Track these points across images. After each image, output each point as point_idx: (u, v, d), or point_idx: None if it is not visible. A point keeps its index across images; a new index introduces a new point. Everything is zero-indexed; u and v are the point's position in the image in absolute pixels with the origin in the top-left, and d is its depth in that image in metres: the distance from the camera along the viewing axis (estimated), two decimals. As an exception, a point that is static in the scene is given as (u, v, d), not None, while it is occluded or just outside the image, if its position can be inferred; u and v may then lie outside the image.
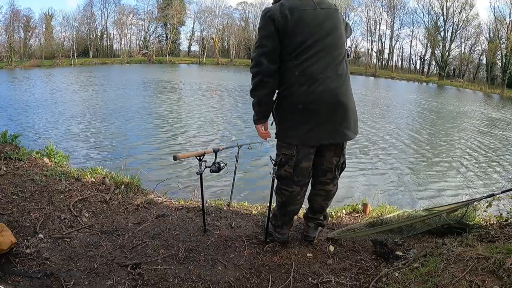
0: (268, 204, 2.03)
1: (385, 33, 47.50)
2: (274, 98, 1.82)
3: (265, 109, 1.82)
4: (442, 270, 1.52)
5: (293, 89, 1.72)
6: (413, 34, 47.33)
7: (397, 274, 1.63)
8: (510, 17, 36.30)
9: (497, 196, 2.03)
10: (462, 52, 42.82)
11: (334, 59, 1.71)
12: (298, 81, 1.70)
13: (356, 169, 6.62)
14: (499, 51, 37.66)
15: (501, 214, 2.21)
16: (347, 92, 1.75)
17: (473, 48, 42.28)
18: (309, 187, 1.97)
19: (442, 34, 42.97)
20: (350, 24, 1.93)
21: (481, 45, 41.35)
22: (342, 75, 1.73)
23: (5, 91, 16.02)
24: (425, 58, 46.24)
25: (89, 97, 14.93)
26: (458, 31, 41.91)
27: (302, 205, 2.03)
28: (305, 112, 1.71)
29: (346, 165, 1.95)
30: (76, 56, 41.21)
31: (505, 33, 36.84)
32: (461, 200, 2.27)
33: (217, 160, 2.03)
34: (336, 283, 1.69)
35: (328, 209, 2.54)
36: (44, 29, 43.06)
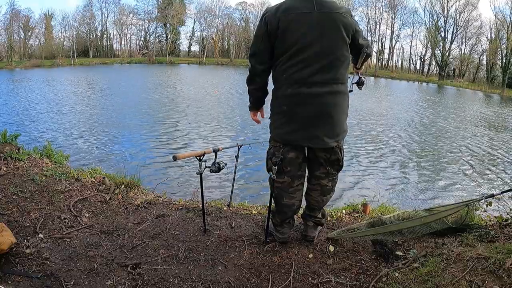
0: (268, 204, 2.02)
1: (385, 33, 47.60)
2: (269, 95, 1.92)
3: (254, 100, 1.96)
4: (442, 270, 1.52)
5: (280, 91, 1.79)
6: (414, 34, 47.46)
7: (397, 274, 1.63)
8: (510, 18, 36.33)
9: (497, 196, 2.03)
10: (463, 52, 42.85)
11: (324, 65, 1.68)
12: (285, 83, 1.76)
13: (357, 169, 6.61)
14: (499, 51, 37.65)
15: (501, 214, 2.21)
16: (335, 100, 1.74)
17: (473, 48, 42.32)
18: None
19: (442, 34, 42.99)
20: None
21: (481, 45, 41.41)
22: (331, 84, 1.71)
23: (5, 91, 16.02)
24: (425, 58, 46.27)
25: (89, 97, 14.94)
26: (459, 31, 41.94)
27: (301, 206, 2.03)
28: (288, 114, 1.77)
29: (343, 164, 1.93)
30: (76, 56, 41.21)
31: (506, 33, 36.82)
32: (461, 201, 2.27)
33: (217, 160, 2.02)
34: (336, 283, 1.69)
35: (328, 209, 2.55)
36: (44, 29, 43.08)
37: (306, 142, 1.79)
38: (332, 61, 1.69)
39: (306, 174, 1.98)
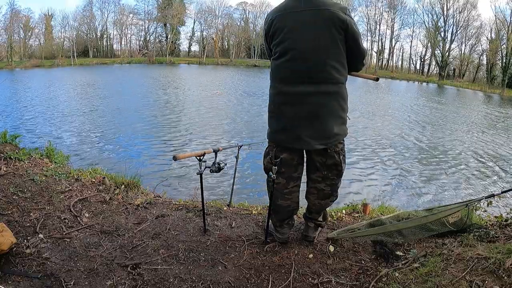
0: (268, 204, 2.02)
1: (385, 33, 47.57)
2: None
3: None
4: (442, 270, 1.52)
5: (271, 90, 1.82)
6: (414, 34, 47.43)
7: (397, 274, 1.63)
8: (511, 18, 36.33)
9: (497, 196, 2.03)
10: (463, 52, 42.84)
11: (312, 64, 1.64)
12: (274, 82, 1.78)
13: (357, 169, 6.62)
14: (500, 51, 37.65)
15: (501, 214, 2.21)
16: (322, 101, 1.68)
17: (473, 48, 42.31)
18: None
19: (442, 34, 42.99)
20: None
21: (481, 45, 41.40)
22: (319, 83, 1.66)
23: (5, 91, 16.03)
24: (425, 58, 46.26)
25: (89, 97, 14.94)
26: (459, 31, 41.94)
27: (301, 206, 2.03)
28: (276, 113, 1.79)
29: (344, 169, 1.87)
30: (76, 56, 41.22)
31: (506, 33, 36.81)
32: (461, 200, 2.27)
33: (217, 160, 2.02)
34: (336, 283, 1.69)
35: (328, 209, 2.54)
36: (44, 29, 43.08)
37: (291, 143, 1.76)
38: (320, 59, 1.64)
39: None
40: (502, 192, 2.02)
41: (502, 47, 37.22)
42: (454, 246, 1.76)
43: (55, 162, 3.18)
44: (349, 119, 1.83)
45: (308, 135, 1.71)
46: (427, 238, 2.01)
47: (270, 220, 2.02)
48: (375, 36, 47.08)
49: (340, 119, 1.75)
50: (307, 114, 1.69)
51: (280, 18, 1.68)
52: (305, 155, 1.89)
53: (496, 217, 2.24)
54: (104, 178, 2.88)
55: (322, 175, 1.86)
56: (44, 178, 2.68)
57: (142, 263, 1.80)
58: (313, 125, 1.70)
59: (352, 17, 1.67)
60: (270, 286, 1.67)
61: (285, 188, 1.87)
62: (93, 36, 47.58)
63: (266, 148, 1.91)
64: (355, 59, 1.75)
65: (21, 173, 2.67)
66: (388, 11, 45.86)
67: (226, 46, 52.48)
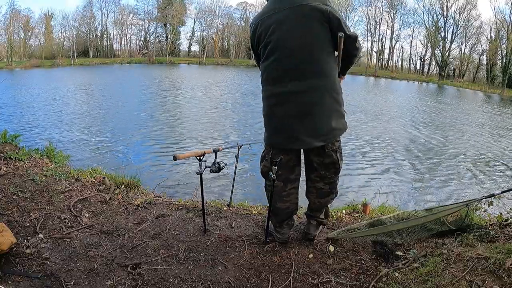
0: (268, 204, 2.02)
1: (385, 33, 47.49)
2: None
3: None
4: (442, 270, 1.52)
5: (263, 93, 1.82)
6: (414, 34, 47.36)
7: (397, 274, 1.63)
8: (510, 18, 36.32)
9: (497, 196, 2.02)
10: (463, 52, 42.81)
11: (300, 61, 1.64)
12: (265, 84, 1.79)
13: (357, 169, 6.60)
14: (499, 51, 37.63)
15: (501, 214, 2.21)
16: (314, 96, 1.66)
17: (473, 48, 42.27)
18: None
19: (442, 34, 42.97)
20: (348, 23, 1.78)
21: (481, 45, 41.35)
22: (309, 79, 1.65)
23: (5, 91, 16.03)
24: (425, 58, 46.23)
25: (89, 97, 14.94)
26: (459, 31, 41.91)
27: (301, 206, 2.03)
28: (269, 115, 1.79)
29: (341, 167, 1.86)
30: (76, 56, 41.20)
31: (506, 33, 36.79)
32: (461, 200, 2.27)
33: (217, 160, 2.02)
34: (336, 283, 1.69)
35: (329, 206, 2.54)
36: (44, 29, 43.08)
37: (288, 144, 1.75)
38: (307, 55, 1.64)
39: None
40: (502, 192, 2.01)
41: (502, 47, 37.19)
42: (454, 246, 1.76)
43: (55, 162, 3.18)
44: (346, 113, 1.81)
45: (304, 134, 1.69)
46: (427, 238, 2.01)
47: (269, 220, 2.02)
48: (375, 36, 47.00)
49: (336, 112, 1.73)
50: (301, 112, 1.68)
51: (264, 20, 1.70)
52: (302, 154, 1.89)
53: (496, 217, 2.24)
54: (104, 178, 2.88)
55: (320, 175, 1.87)
56: (44, 178, 2.68)
57: (142, 263, 1.80)
58: (307, 123, 1.68)
59: (332, 5, 1.65)
60: (270, 286, 1.67)
61: (283, 191, 1.87)
62: (93, 36, 47.53)
63: (263, 152, 1.89)
64: (344, 46, 1.70)
65: (21, 173, 2.67)
66: (388, 11, 45.81)
67: (226, 46, 52.44)
